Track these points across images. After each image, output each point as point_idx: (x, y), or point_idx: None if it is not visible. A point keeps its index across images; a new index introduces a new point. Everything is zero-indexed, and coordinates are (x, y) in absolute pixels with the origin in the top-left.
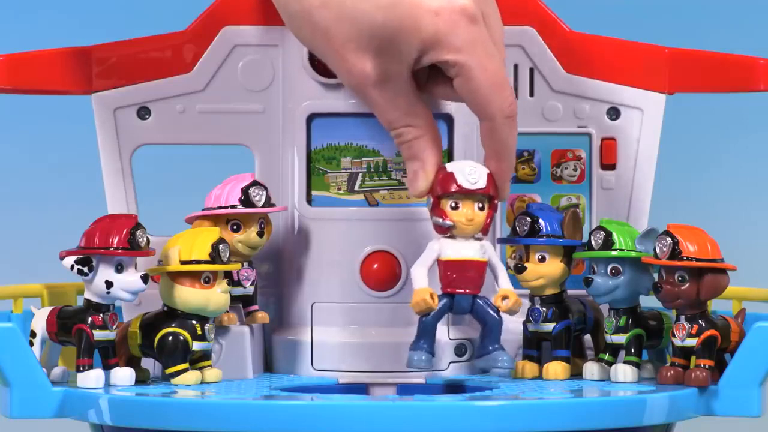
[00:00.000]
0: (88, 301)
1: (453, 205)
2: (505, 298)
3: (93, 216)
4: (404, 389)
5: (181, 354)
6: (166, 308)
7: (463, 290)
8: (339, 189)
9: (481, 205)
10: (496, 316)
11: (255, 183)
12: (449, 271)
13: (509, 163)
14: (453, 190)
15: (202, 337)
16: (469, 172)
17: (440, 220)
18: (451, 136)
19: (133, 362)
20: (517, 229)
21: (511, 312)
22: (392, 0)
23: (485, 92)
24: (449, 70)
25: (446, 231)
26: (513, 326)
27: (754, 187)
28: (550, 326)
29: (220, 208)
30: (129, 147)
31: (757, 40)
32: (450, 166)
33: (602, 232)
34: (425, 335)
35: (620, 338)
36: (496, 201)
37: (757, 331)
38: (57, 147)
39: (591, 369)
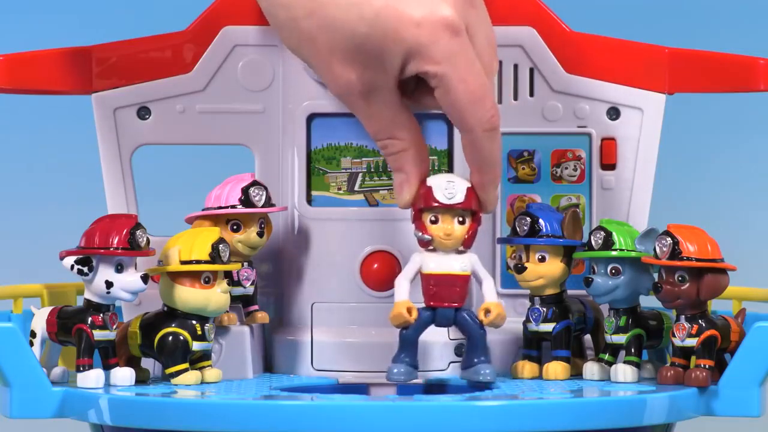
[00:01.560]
0: (88, 301)
1: (432, 219)
2: (487, 311)
3: (93, 216)
4: (404, 389)
5: (181, 354)
6: (166, 308)
7: (444, 303)
8: (339, 189)
9: (461, 219)
10: (480, 329)
11: (255, 183)
12: (430, 284)
13: (492, 176)
14: (430, 205)
15: (202, 337)
16: (447, 187)
17: (419, 234)
18: (451, 137)
19: (133, 362)
20: (517, 229)
21: (494, 325)
22: (376, 11)
23: (464, 105)
24: (430, 81)
25: (427, 245)
26: (513, 326)
27: (754, 187)
28: (550, 326)
29: (220, 208)
30: (129, 147)
31: (757, 40)
32: (430, 181)
33: (602, 232)
34: (406, 348)
35: (620, 338)
36: (479, 214)
37: (757, 331)
38: (57, 147)
39: (591, 369)
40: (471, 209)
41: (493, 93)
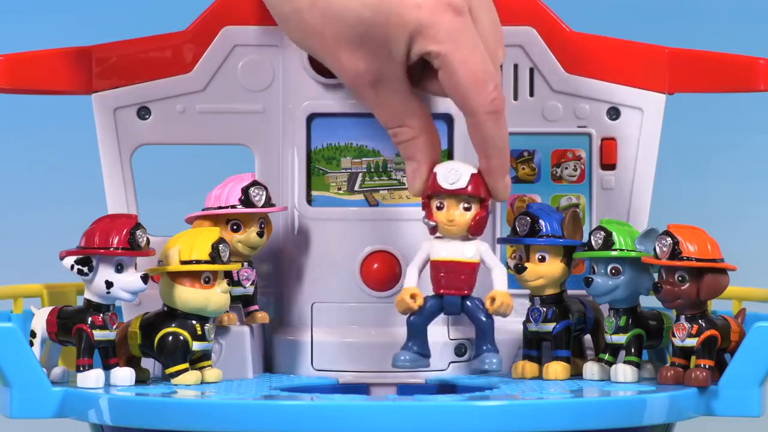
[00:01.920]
0: (88, 301)
1: (438, 205)
2: (493, 300)
3: (93, 216)
4: (404, 389)
5: (181, 354)
6: (166, 308)
7: (451, 291)
8: (339, 189)
9: (467, 206)
10: (485, 318)
11: (255, 183)
12: (437, 271)
13: (499, 161)
14: (434, 190)
15: (202, 337)
16: (449, 173)
17: (425, 219)
18: (451, 136)
19: (133, 362)
20: (517, 229)
21: (500, 314)
22: None
23: (465, 86)
24: (434, 62)
25: (433, 231)
26: (513, 326)
27: (754, 187)
28: (550, 326)
29: (220, 208)
30: (129, 147)
31: (757, 40)
32: (436, 167)
33: (602, 232)
34: (413, 336)
35: (620, 338)
36: (487, 201)
37: (757, 331)
38: (57, 147)
39: (591, 369)
40: (477, 196)
41: (498, 78)
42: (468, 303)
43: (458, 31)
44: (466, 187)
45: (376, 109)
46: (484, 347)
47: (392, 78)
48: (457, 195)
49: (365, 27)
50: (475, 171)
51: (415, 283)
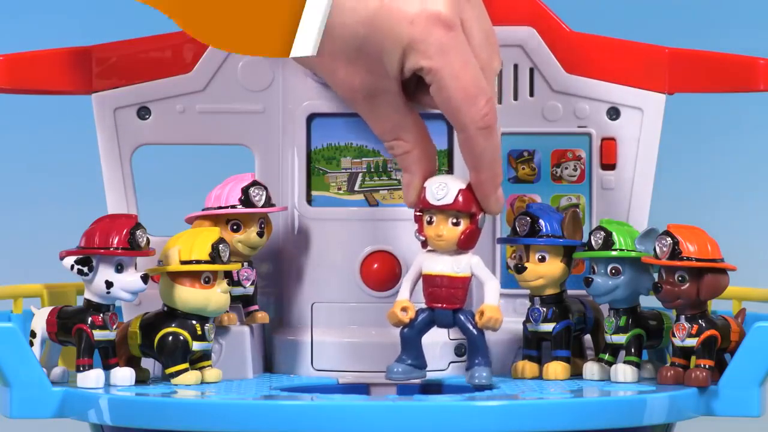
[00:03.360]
0: (88, 301)
1: (428, 220)
2: (482, 314)
3: (93, 216)
4: (404, 389)
5: (181, 354)
6: (166, 308)
7: (442, 305)
8: (339, 189)
9: (455, 221)
10: (476, 332)
11: (255, 183)
12: (428, 285)
13: (489, 175)
14: (423, 206)
15: (202, 337)
16: (437, 188)
17: (416, 234)
18: (451, 137)
19: (133, 362)
20: (517, 229)
21: (488, 328)
22: (372, 12)
23: (457, 102)
24: (426, 78)
25: (424, 245)
26: (513, 326)
27: (753, 187)
28: (550, 326)
29: (220, 208)
30: (129, 147)
31: (757, 40)
32: (427, 182)
33: (602, 232)
34: (405, 348)
35: (620, 338)
36: (477, 216)
37: (757, 331)
38: (57, 147)
39: (591, 369)
40: (466, 211)
41: (491, 91)
42: (460, 316)
43: (449, 46)
44: (453, 202)
45: (372, 122)
46: (476, 360)
47: (387, 93)
48: (445, 210)
49: (360, 43)
50: (464, 186)
51: (408, 296)
